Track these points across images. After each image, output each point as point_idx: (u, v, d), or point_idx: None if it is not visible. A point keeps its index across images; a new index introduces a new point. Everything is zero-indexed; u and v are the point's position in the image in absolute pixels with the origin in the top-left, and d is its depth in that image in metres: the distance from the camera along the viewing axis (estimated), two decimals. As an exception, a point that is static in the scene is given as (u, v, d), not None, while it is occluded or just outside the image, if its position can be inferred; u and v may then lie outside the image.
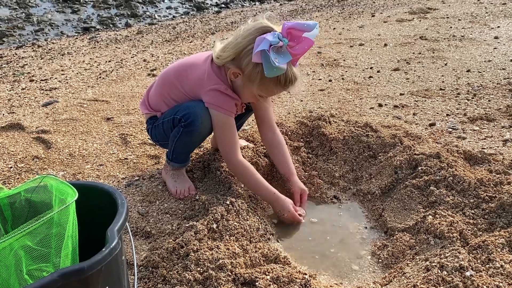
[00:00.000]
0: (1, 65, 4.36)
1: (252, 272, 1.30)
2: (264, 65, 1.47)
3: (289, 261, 1.44)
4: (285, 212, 1.70)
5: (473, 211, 1.56)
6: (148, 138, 2.32)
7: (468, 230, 1.46)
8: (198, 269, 1.30)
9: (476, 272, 1.24)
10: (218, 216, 1.51)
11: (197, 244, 1.38)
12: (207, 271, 1.29)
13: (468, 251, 1.35)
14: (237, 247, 1.41)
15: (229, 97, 1.66)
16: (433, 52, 3.90)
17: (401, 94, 2.90)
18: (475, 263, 1.28)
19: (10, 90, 3.36)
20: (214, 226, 1.48)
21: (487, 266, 1.27)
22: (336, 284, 1.41)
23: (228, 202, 1.59)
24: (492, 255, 1.30)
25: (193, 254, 1.34)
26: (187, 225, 1.50)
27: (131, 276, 1.32)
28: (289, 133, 2.20)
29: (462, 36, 4.39)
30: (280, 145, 1.89)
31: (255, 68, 1.53)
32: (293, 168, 1.88)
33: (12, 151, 2.22)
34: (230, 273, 1.29)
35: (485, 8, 5.75)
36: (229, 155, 1.71)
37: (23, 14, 6.91)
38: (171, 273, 1.31)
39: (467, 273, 1.24)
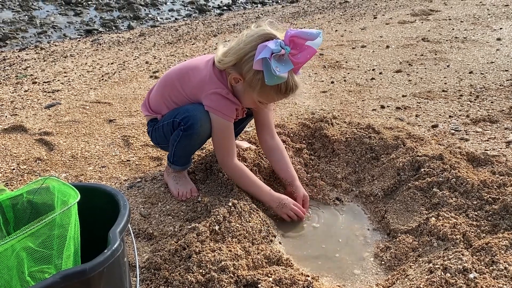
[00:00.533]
0: (4, 67, 4.37)
1: (254, 274, 1.30)
2: (264, 73, 1.45)
3: (291, 263, 1.43)
4: (287, 210, 1.69)
5: (476, 213, 1.55)
6: (150, 140, 2.32)
7: (472, 232, 1.45)
8: (200, 271, 1.30)
9: (480, 274, 1.24)
10: (220, 218, 1.51)
11: (199, 246, 1.38)
12: (209, 273, 1.28)
13: (472, 253, 1.34)
14: (240, 249, 1.40)
15: (230, 102, 1.65)
16: (435, 54, 3.89)
17: (403, 96, 2.89)
18: (478, 265, 1.27)
19: (13, 92, 3.37)
20: (216, 227, 1.47)
21: (490, 268, 1.27)
22: (338, 286, 1.40)
23: (230, 204, 1.58)
24: (495, 257, 1.29)
25: (195, 256, 1.34)
26: (189, 226, 1.50)
27: (133, 278, 1.32)
28: (291, 134, 2.19)
29: (464, 37, 4.38)
30: (280, 150, 1.87)
31: (256, 75, 1.52)
32: (295, 173, 1.86)
33: (14, 152, 2.22)
34: (232, 275, 1.29)
35: (487, 9, 5.74)
36: (225, 159, 1.71)
37: (26, 16, 6.94)
38: (173, 275, 1.31)
39: (471, 275, 1.23)
